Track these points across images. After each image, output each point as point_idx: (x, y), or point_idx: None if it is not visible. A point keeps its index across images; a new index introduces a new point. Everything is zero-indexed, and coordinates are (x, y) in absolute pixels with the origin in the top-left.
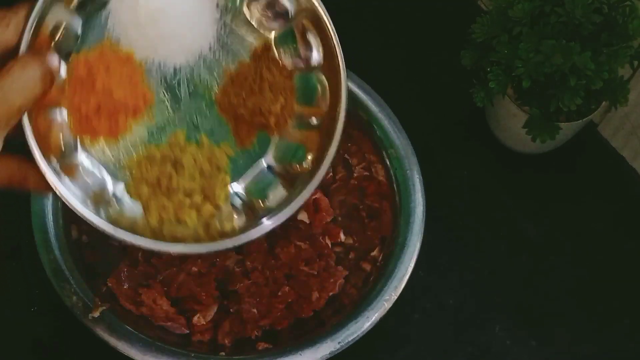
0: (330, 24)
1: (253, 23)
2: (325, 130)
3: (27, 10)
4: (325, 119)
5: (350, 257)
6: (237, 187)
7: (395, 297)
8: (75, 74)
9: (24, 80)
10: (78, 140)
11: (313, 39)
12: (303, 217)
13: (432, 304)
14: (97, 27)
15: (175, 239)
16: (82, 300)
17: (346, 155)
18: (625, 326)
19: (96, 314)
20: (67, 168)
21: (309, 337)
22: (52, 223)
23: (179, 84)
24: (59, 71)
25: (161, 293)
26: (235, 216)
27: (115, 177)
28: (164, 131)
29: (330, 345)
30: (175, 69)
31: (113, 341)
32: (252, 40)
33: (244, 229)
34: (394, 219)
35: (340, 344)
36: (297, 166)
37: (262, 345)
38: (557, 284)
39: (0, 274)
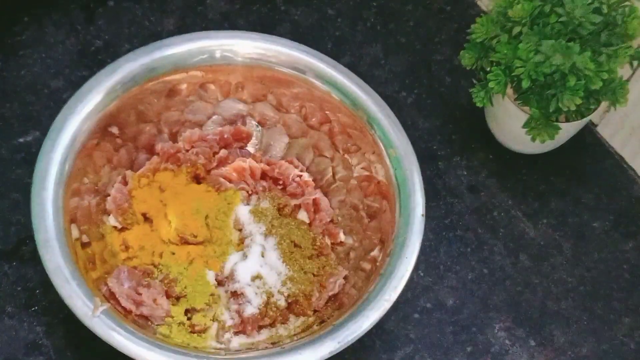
0: None
1: None
2: None
3: None
4: None
5: (350, 257)
6: None
7: (395, 297)
8: None
9: None
10: None
11: None
12: (303, 217)
13: (432, 304)
14: None
15: None
16: (82, 300)
17: (346, 155)
18: (625, 326)
19: (96, 314)
20: None
21: (308, 336)
22: (52, 223)
23: None
24: None
25: (161, 293)
26: None
27: None
28: None
29: (330, 345)
30: None
31: (113, 340)
32: None
33: None
34: (393, 219)
35: (340, 343)
36: None
37: (262, 345)
38: (557, 284)
39: (0, 274)
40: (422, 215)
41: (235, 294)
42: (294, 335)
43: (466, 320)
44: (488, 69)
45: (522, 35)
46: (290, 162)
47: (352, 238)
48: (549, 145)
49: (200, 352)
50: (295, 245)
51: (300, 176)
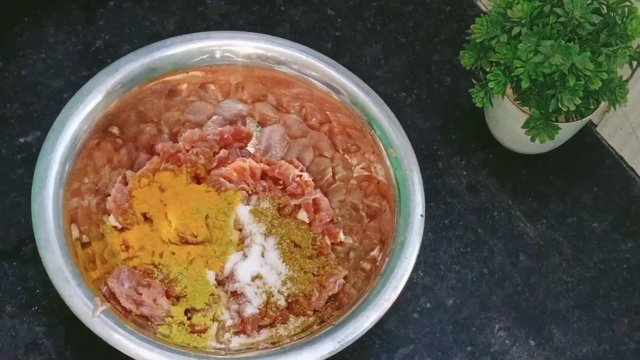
0: None
1: None
2: None
3: None
4: None
5: (350, 257)
6: None
7: (395, 297)
8: None
9: None
10: None
11: None
12: (303, 217)
13: (432, 304)
14: None
15: None
16: (82, 300)
17: (346, 155)
18: (624, 326)
19: (96, 314)
20: None
21: (308, 336)
22: (52, 223)
23: None
24: None
25: (161, 293)
26: None
27: None
28: None
29: (330, 345)
30: None
31: (113, 340)
32: None
33: None
34: (393, 219)
35: (340, 343)
36: None
37: (262, 345)
38: (557, 284)
39: (0, 274)
40: (422, 215)
41: (235, 294)
42: (294, 335)
43: (466, 320)
44: (487, 69)
45: (522, 36)
46: (290, 162)
47: (352, 238)
48: (548, 145)
49: (200, 352)
50: (295, 245)
51: (300, 176)
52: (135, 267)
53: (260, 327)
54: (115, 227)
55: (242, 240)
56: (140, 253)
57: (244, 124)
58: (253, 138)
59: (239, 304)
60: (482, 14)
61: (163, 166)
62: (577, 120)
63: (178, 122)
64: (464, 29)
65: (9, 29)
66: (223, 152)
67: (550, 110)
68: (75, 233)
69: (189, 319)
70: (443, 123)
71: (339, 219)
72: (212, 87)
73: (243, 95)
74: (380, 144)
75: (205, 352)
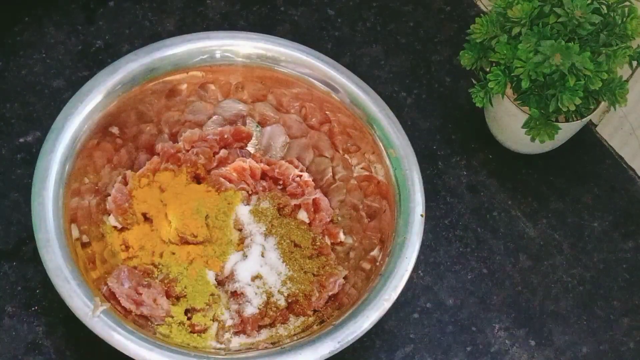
0: None
1: None
2: None
3: None
4: None
5: (350, 257)
6: None
7: (395, 297)
8: None
9: None
10: None
11: None
12: (303, 217)
13: (432, 304)
14: None
15: None
16: (82, 300)
17: (346, 155)
18: (624, 326)
19: (96, 314)
20: None
21: (308, 336)
22: (52, 223)
23: None
24: None
25: (161, 293)
26: None
27: None
28: None
29: (330, 345)
30: None
31: (113, 340)
32: None
33: None
34: (393, 218)
35: (340, 343)
36: None
37: (262, 345)
38: (556, 284)
39: (0, 274)
40: (422, 215)
41: (235, 294)
42: (294, 335)
43: (466, 320)
44: (487, 69)
45: (522, 36)
46: (290, 162)
47: (352, 238)
48: (548, 145)
49: (200, 352)
50: (295, 245)
51: (300, 176)
52: (135, 267)
53: (260, 327)
54: (115, 227)
55: (242, 240)
56: (140, 253)
57: (244, 124)
58: (253, 138)
59: (239, 304)
60: (482, 14)
61: (163, 166)
62: (577, 120)
63: (178, 122)
64: (464, 29)
65: (9, 29)
66: (223, 152)
67: (550, 110)
68: (75, 233)
69: (189, 319)
70: (443, 123)
71: (339, 219)
72: (212, 87)
73: (243, 95)
74: (380, 144)
75: (205, 352)
